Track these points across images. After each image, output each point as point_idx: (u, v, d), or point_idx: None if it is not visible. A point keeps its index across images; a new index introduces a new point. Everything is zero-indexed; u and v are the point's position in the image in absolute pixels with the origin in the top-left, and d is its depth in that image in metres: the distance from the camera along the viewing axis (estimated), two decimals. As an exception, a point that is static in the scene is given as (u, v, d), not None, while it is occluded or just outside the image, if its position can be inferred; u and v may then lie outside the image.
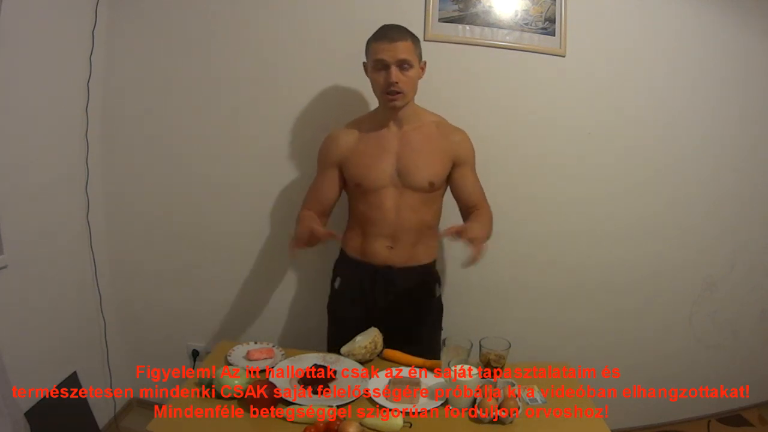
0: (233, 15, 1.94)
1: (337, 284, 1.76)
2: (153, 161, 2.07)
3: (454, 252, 1.94)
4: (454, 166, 1.65)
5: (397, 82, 1.51)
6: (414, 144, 1.61)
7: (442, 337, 1.72)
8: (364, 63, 1.63)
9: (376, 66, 1.54)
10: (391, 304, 1.67)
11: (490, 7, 1.90)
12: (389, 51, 1.50)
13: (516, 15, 1.91)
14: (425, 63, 1.61)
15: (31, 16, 1.66)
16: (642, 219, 2.10)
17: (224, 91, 2.00)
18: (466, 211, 1.68)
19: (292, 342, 2.17)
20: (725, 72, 2.02)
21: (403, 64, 1.51)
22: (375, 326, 1.60)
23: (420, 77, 1.59)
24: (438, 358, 1.47)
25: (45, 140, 1.78)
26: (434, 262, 1.74)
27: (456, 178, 1.66)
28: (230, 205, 2.09)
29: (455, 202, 1.70)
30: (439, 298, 1.77)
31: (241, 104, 2.00)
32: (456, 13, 1.90)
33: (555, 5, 1.91)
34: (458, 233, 1.37)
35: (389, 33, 1.52)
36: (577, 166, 2.04)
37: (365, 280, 1.66)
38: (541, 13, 1.91)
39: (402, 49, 1.50)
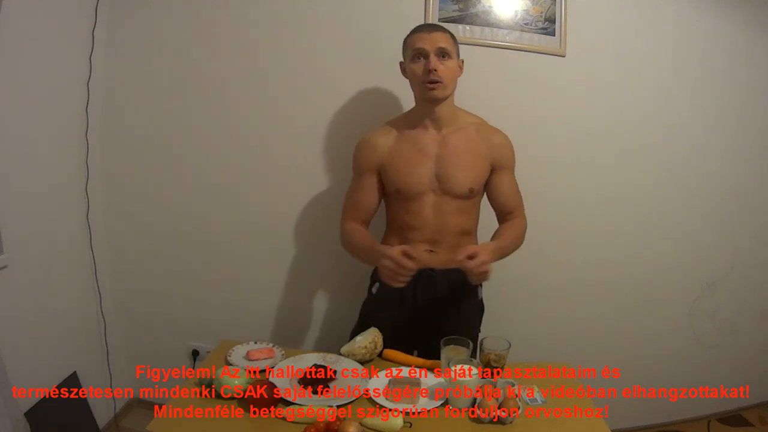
0: (234, 15, 1.94)
1: (374, 289, 1.68)
2: (153, 161, 2.07)
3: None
4: (493, 170, 1.61)
5: (436, 69, 1.47)
6: (453, 148, 1.56)
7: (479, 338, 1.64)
8: (401, 63, 1.60)
9: (414, 55, 1.51)
10: (432, 307, 1.61)
11: (490, 7, 1.90)
12: (428, 40, 1.49)
13: (516, 15, 1.92)
14: (463, 61, 1.58)
15: (31, 16, 1.66)
16: (641, 219, 2.10)
17: (224, 91, 1.99)
18: (502, 216, 1.65)
19: (292, 342, 2.18)
20: (725, 72, 2.02)
21: (442, 53, 1.49)
22: (411, 333, 1.58)
23: (459, 75, 1.56)
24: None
25: (45, 140, 1.78)
26: None
27: (493, 182, 1.62)
28: (230, 204, 2.08)
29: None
30: (481, 300, 1.73)
31: (241, 105, 2.00)
32: (456, 13, 1.90)
33: (555, 5, 1.91)
34: (470, 257, 1.35)
35: (427, 26, 1.54)
36: (576, 167, 2.04)
37: (406, 285, 1.50)
38: (541, 13, 1.91)
39: (441, 39, 1.49)
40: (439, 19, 1.88)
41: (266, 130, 2.02)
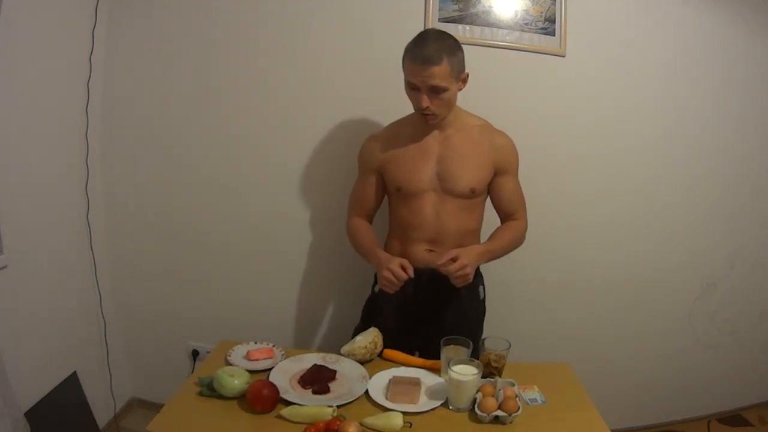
0: (234, 15, 1.94)
1: (377, 289, 1.69)
2: (153, 161, 2.07)
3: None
4: (496, 172, 1.61)
5: (428, 107, 1.46)
6: (456, 149, 1.57)
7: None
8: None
9: (408, 86, 1.48)
10: (434, 309, 1.62)
11: (490, 7, 1.90)
12: (420, 76, 1.42)
13: (516, 15, 1.92)
14: (467, 75, 1.51)
15: (31, 16, 1.66)
16: (641, 219, 2.10)
17: (224, 91, 1.99)
18: (504, 219, 1.66)
19: (293, 342, 2.18)
20: (725, 71, 2.02)
21: (435, 89, 1.44)
22: (413, 332, 1.59)
23: (460, 90, 1.52)
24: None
25: (45, 140, 1.78)
26: None
27: (496, 184, 1.62)
28: (230, 204, 2.08)
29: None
30: (483, 300, 1.73)
31: (242, 104, 2.00)
32: (456, 13, 1.90)
33: (555, 5, 1.91)
34: (452, 260, 1.41)
35: (423, 52, 1.40)
36: (576, 166, 2.04)
37: (408, 284, 1.52)
38: (541, 13, 1.91)
39: (436, 75, 1.41)
40: (439, 19, 1.88)
41: (267, 129, 2.01)
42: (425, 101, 1.45)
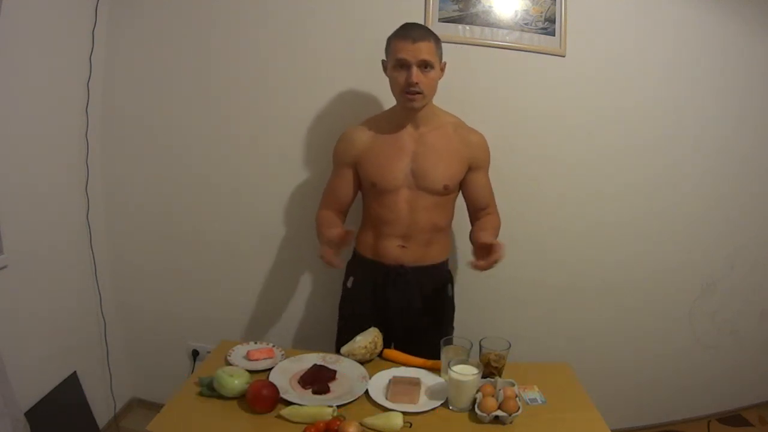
0: (234, 14, 1.94)
1: (349, 283, 1.75)
2: (153, 161, 2.07)
3: (465, 252, 1.94)
4: (470, 169, 1.64)
5: (417, 83, 1.49)
6: (430, 146, 1.60)
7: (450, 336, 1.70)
8: (383, 61, 1.60)
9: (396, 65, 1.51)
10: (403, 304, 1.66)
11: (490, 7, 1.90)
12: (411, 51, 1.47)
13: (516, 15, 1.91)
14: (445, 64, 1.59)
15: (31, 16, 1.66)
16: (642, 219, 2.10)
17: (224, 90, 1.99)
18: (475, 213, 1.69)
19: (292, 342, 2.18)
20: (724, 71, 2.02)
21: (424, 65, 1.49)
22: (387, 326, 1.60)
23: (440, 78, 1.57)
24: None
25: (45, 140, 1.78)
26: (447, 261, 1.74)
27: (469, 180, 1.66)
28: (230, 204, 2.08)
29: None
30: (452, 297, 1.76)
31: (242, 104, 2.00)
32: (456, 13, 1.90)
33: (555, 5, 1.91)
34: (488, 250, 1.38)
35: (412, 32, 1.49)
36: (576, 166, 2.04)
37: (378, 280, 1.65)
38: (541, 13, 1.91)
39: (424, 50, 1.48)
40: (439, 19, 1.88)
41: (267, 129, 2.01)
42: (415, 75, 1.48)
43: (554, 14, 1.91)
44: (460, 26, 1.90)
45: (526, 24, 1.92)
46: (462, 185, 1.67)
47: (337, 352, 1.53)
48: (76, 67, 1.89)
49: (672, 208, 2.11)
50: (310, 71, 1.96)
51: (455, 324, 1.78)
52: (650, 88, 2.00)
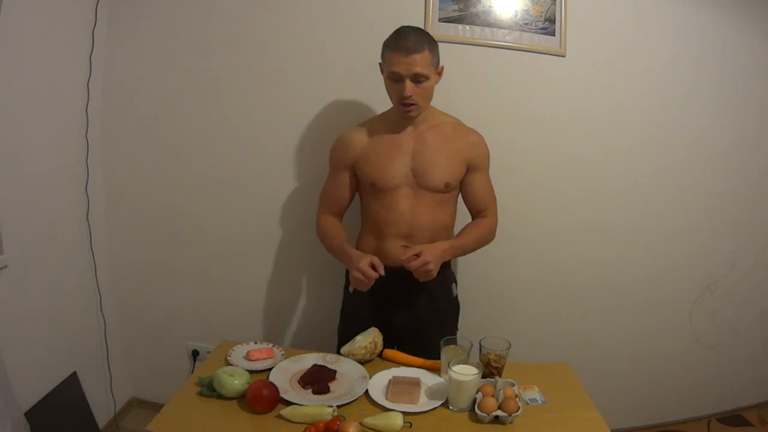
0: (234, 14, 1.94)
1: (351, 289, 1.70)
2: (153, 161, 2.07)
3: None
4: (468, 168, 1.64)
5: (411, 95, 1.49)
6: (430, 144, 1.60)
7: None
8: (380, 63, 1.59)
9: (390, 77, 1.51)
10: (407, 305, 1.65)
11: (490, 7, 1.90)
12: (404, 64, 1.46)
13: (516, 15, 1.91)
14: (442, 68, 1.58)
15: (31, 16, 1.66)
16: (642, 218, 2.10)
17: (224, 90, 1.99)
18: (474, 215, 1.70)
19: (292, 342, 2.18)
20: (724, 71, 2.02)
21: (418, 78, 1.48)
22: (390, 328, 1.60)
23: (437, 83, 1.56)
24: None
25: (45, 140, 1.78)
26: (450, 261, 1.72)
27: (468, 181, 1.65)
28: (230, 204, 2.08)
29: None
30: (456, 297, 1.76)
31: (242, 104, 2.00)
32: (456, 13, 1.90)
33: (555, 5, 1.91)
34: (416, 256, 1.45)
35: (406, 42, 1.46)
36: (576, 166, 2.04)
37: (381, 282, 1.55)
38: (541, 13, 1.91)
39: (418, 62, 1.46)
40: (439, 19, 1.88)
41: (267, 129, 2.01)
42: (409, 89, 1.48)
43: (554, 14, 1.91)
44: (460, 26, 1.90)
45: (526, 24, 1.92)
46: (461, 187, 1.67)
47: (338, 353, 1.53)
48: (76, 67, 1.89)
49: (672, 207, 2.11)
50: (310, 71, 1.96)
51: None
52: (650, 88, 2.00)
